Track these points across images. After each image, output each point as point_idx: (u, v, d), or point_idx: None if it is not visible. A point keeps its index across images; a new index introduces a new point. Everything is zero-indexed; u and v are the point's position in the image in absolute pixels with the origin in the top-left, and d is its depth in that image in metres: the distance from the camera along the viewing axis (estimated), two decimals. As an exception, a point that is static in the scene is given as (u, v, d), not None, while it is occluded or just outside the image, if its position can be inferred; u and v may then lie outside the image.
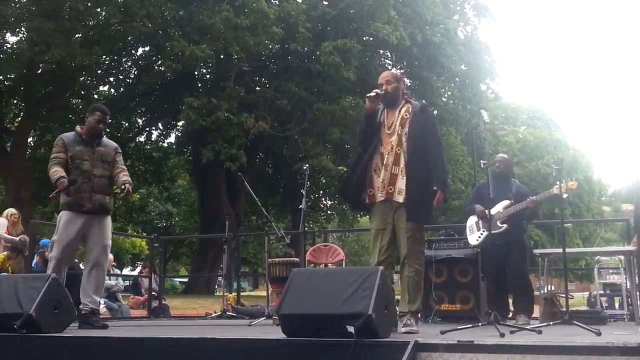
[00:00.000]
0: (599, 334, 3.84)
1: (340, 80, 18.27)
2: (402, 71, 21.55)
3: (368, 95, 4.71)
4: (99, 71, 21.45)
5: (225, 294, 9.90)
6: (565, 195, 5.83)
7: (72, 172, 5.62)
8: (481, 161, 4.86)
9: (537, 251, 7.29)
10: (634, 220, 6.45)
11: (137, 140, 25.34)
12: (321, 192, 28.32)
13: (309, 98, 19.10)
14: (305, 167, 7.07)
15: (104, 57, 20.73)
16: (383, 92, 4.70)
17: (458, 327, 4.17)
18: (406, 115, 4.67)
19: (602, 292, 10.88)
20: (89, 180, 5.68)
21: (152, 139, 26.01)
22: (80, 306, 5.60)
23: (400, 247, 4.53)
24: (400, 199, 4.54)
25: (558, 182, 5.84)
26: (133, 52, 22.66)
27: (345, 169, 19.03)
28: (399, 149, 4.59)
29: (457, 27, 22.70)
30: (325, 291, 3.68)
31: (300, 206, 6.66)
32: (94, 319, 5.60)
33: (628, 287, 7.46)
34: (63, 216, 5.64)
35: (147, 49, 22.24)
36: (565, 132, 46.18)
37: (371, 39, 20.83)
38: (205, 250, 22.87)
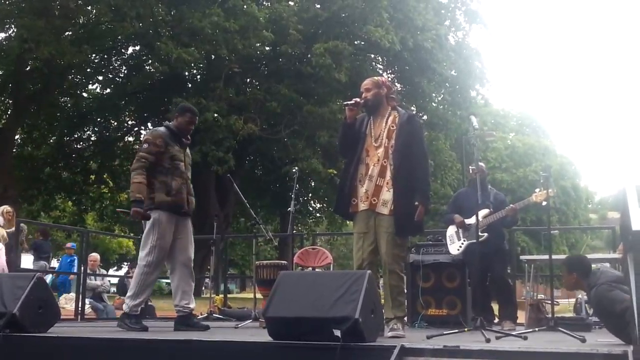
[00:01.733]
0: (583, 340, 3.86)
1: (331, 83, 18.28)
2: (392, 76, 21.65)
3: (346, 103, 4.69)
4: (89, 70, 21.36)
5: (212, 295, 9.87)
6: (544, 203, 5.85)
7: (171, 173, 5.41)
8: (470, 167, 4.88)
9: (523, 257, 7.33)
10: (620, 228, 6.48)
11: (126, 140, 25.21)
12: (310, 194, 28.28)
13: (299, 100, 19.10)
14: (294, 170, 7.06)
15: (94, 55, 20.65)
16: (362, 100, 4.67)
17: (444, 332, 4.18)
18: (393, 126, 4.63)
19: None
20: (185, 182, 5.53)
21: (141, 138, 25.92)
22: (178, 308, 5.49)
23: (381, 252, 4.53)
24: (384, 210, 4.53)
25: (537, 190, 5.87)
26: (123, 51, 22.58)
27: (335, 172, 19.03)
28: (385, 162, 4.58)
29: (448, 32, 22.79)
30: (312, 294, 3.68)
31: (289, 209, 6.65)
32: (195, 320, 5.58)
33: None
34: (162, 217, 5.39)
35: (137, 48, 22.17)
36: (554, 139, 46.48)
37: (363, 42, 20.87)
38: (193, 252, 22.77)
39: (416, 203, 4.48)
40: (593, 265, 4.81)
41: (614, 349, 3.14)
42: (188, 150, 5.70)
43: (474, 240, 6.09)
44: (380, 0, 18.56)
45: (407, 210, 4.46)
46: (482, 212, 6.41)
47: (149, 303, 10.86)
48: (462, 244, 6.52)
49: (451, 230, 6.71)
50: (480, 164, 6.96)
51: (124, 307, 5.31)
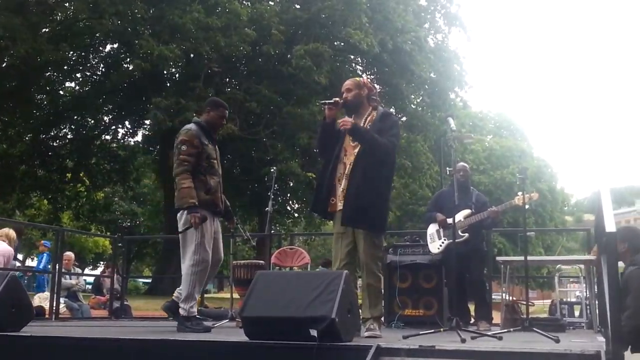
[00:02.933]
0: (557, 341, 3.90)
1: (310, 84, 18.28)
2: (372, 77, 21.70)
3: (325, 102, 4.67)
4: (66, 67, 21.12)
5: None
6: (526, 207, 5.91)
7: (208, 172, 5.28)
8: (447, 168, 4.89)
9: (499, 258, 7.38)
10: (595, 230, 6.57)
11: (103, 138, 24.97)
12: (288, 195, 28.26)
13: (279, 101, 19.07)
14: (272, 170, 7.04)
15: (71, 53, 20.42)
16: (342, 100, 4.66)
17: (420, 332, 4.20)
18: (369, 126, 4.64)
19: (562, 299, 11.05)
20: (219, 181, 5.41)
21: (118, 137, 25.69)
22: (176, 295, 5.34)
23: (359, 252, 4.53)
24: None
25: (520, 193, 5.92)
26: (101, 48, 22.35)
27: (313, 175, 19.02)
28: None
29: (427, 35, 22.91)
30: (289, 294, 3.68)
31: (267, 208, 6.64)
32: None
33: (587, 295, 7.59)
34: (208, 216, 5.29)
35: (115, 46, 21.97)
36: (531, 142, 46.98)
37: (342, 44, 20.91)
38: (170, 251, 22.59)
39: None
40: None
41: (587, 349, 3.18)
42: (217, 147, 5.57)
43: (454, 240, 6.13)
44: (360, 3, 18.60)
45: (357, 201, 4.43)
46: (464, 213, 6.46)
47: (125, 302, 10.78)
48: (443, 243, 6.56)
49: (432, 229, 6.75)
50: (464, 164, 7.02)
51: (181, 311, 5.15)
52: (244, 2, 19.98)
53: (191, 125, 5.37)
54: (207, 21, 17.03)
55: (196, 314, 5.21)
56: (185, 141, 5.22)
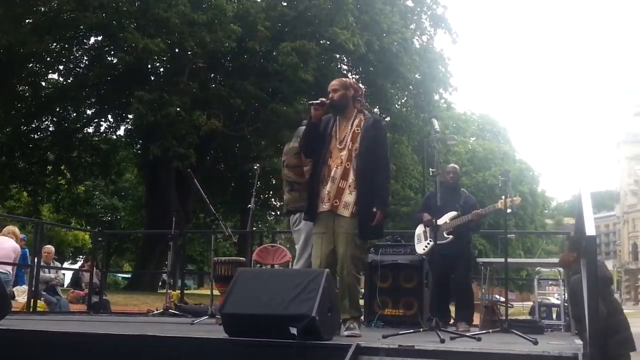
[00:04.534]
0: (535, 343, 3.93)
1: (296, 82, 18.25)
2: (357, 77, 21.71)
3: (312, 102, 4.66)
4: (49, 59, 20.90)
5: (169, 291, 9.76)
6: (509, 210, 5.94)
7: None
8: (430, 169, 4.89)
9: (480, 260, 7.42)
10: (575, 233, 6.62)
11: (85, 132, 24.77)
12: (271, 192, 28.23)
13: (264, 98, 19.02)
14: (256, 167, 7.03)
15: (55, 44, 20.22)
16: (328, 100, 4.65)
17: (400, 332, 4.20)
18: (358, 129, 4.61)
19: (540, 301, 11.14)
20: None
21: (101, 130, 25.49)
22: None
23: (339, 252, 4.53)
24: (345, 212, 4.52)
25: (503, 197, 5.95)
26: (85, 41, 22.13)
27: None
28: (348, 164, 4.56)
29: (413, 36, 22.94)
30: (270, 292, 3.67)
31: (249, 205, 6.60)
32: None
33: (566, 298, 7.65)
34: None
35: (99, 38, 21.78)
36: (514, 145, 47.32)
37: (328, 42, 20.89)
38: (151, 247, 22.51)
39: (374, 209, 4.50)
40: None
41: (565, 352, 3.20)
42: None
43: (440, 241, 6.15)
44: (347, 3, 18.60)
45: (369, 214, 4.49)
46: (450, 214, 6.46)
47: (104, 297, 10.72)
48: (428, 244, 6.57)
49: (419, 229, 6.76)
50: (455, 166, 7.04)
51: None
52: (231, -2, 19.90)
53: (298, 130, 5.46)
54: (192, 16, 16.94)
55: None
56: (287, 152, 5.39)
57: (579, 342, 4.31)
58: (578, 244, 5.00)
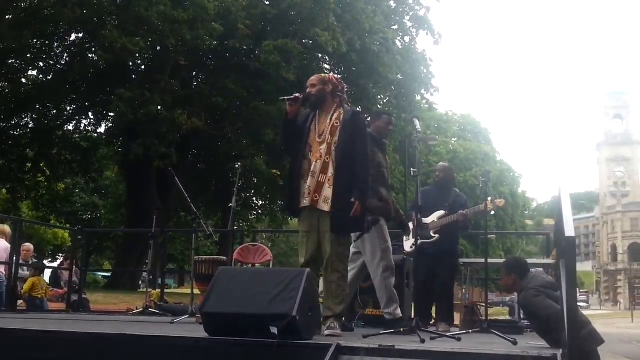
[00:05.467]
0: (515, 343, 3.94)
1: (278, 80, 18.23)
2: (339, 77, 21.73)
3: (286, 98, 4.63)
4: (29, 55, 20.69)
5: (149, 290, 9.70)
6: (492, 212, 5.97)
7: (377, 180, 5.20)
8: (412, 169, 4.89)
9: (460, 260, 7.43)
10: (554, 234, 6.67)
11: (65, 129, 24.53)
12: (253, 191, 28.16)
13: (246, 97, 18.97)
14: (237, 166, 7.00)
15: (35, 40, 20.00)
16: (302, 95, 4.62)
17: (380, 332, 4.20)
18: (337, 122, 4.59)
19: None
20: (389, 191, 5.40)
21: (81, 128, 25.26)
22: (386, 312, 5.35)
23: (324, 251, 4.51)
24: (325, 207, 4.49)
25: (489, 199, 5.96)
26: (66, 37, 21.93)
27: (278, 173, 18.94)
28: (327, 158, 4.53)
29: (395, 36, 23.00)
30: (251, 291, 3.65)
31: (230, 204, 6.58)
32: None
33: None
34: (382, 221, 5.30)
35: (80, 35, 21.58)
36: (495, 146, 47.63)
37: (310, 42, 20.90)
38: (131, 245, 22.37)
39: (352, 199, 4.45)
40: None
41: (544, 352, 3.22)
42: (387, 156, 5.60)
43: (427, 240, 6.15)
44: (329, 3, 18.61)
45: (346, 208, 4.42)
46: (438, 214, 6.46)
47: (83, 296, 10.62)
48: (416, 242, 6.56)
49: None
50: (445, 164, 7.03)
51: (387, 316, 5.13)
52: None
53: None
54: (172, 14, 16.83)
55: (402, 316, 5.21)
56: None
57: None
58: (512, 266, 4.96)
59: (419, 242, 6.45)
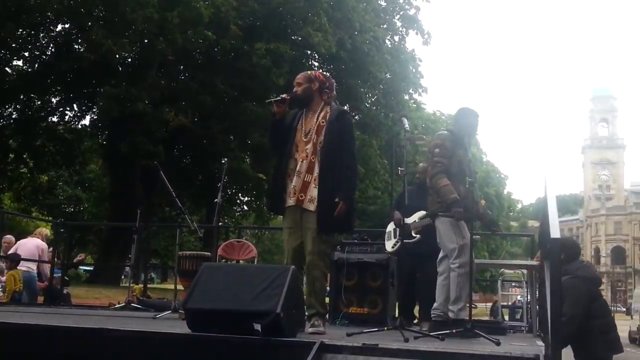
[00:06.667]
0: (498, 343, 3.95)
1: (267, 81, 18.19)
2: (327, 74, 21.76)
3: (273, 99, 4.62)
4: (14, 45, 20.46)
5: (131, 285, 9.63)
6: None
7: (458, 179, 5.15)
8: (399, 168, 4.87)
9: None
10: (539, 236, 6.69)
11: (50, 120, 24.31)
12: (238, 187, 28.09)
13: (234, 96, 18.91)
14: (223, 162, 6.95)
15: (20, 31, 19.80)
16: (288, 96, 4.60)
17: (364, 330, 4.19)
18: (323, 122, 4.57)
19: (504, 303, 11.29)
20: (469, 189, 5.24)
21: (66, 120, 25.04)
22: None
23: (306, 248, 4.48)
24: (310, 207, 4.47)
25: None
26: (52, 28, 21.72)
27: (264, 177, 18.90)
28: (313, 157, 4.52)
29: (385, 35, 23.04)
30: (235, 287, 3.62)
31: (216, 200, 6.53)
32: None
33: (528, 300, 7.74)
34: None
35: (67, 26, 21.38)
36: (481, 147, 47.82)
37: (300, 38, 20.86)
38: (114, 239, 22.21)
39: (337, 199, 4.42)
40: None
41: (527, 352, 3.23)
42: (469, 153, 5.53)
43: (407, 240, 6.15)
44: (321, 2, 18.58)
45: (331, 208, 4.40)
46: (419, 213, 6.46)
47: (65, 292, 10.54)
48: (397, 242, 6.57)
49: (390, 227, 6.76)
50: (425, 165, 7.03)
51: (452, 315, 4.99)
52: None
53: (444, 132, 5.46)
54: (161, 17, 16.66)
55: (465, 317, 5.05)
56: (438, 144, 5.27)
57: (540, 343, 4.36)
58: (563, 247, 5.10)
59: (401, 242, 6.48)
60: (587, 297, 4.81)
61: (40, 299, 10.27)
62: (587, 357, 4.81)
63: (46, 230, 10.12)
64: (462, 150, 5.35)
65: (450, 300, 5.06)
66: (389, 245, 6.70)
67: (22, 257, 9.08)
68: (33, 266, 9.37)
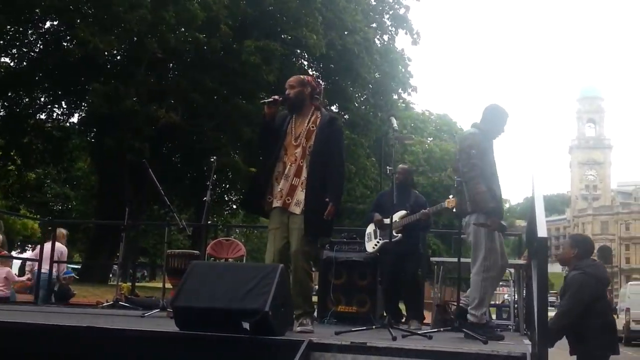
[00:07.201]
0: (485, 342, 3.98)
1: (257, 78, 18.16)
2: (317, 73, 21.74)
3: (264, 101, 4.63)
4: (1, 41, 20.30)
5: (119, 283, 9.60)
6: (454, 210, 6.00)
7: (492, 180, 5.01)
8: (387, 167, 4.90)
9: (433, 259, 7.47)
10: (526, 235, 6.74)
11: (38, 117, 24.14)
12: (227, 186, 28.04)
13: (224, 93, 18.87)
14: (212, 159, 6.93)
15: (8, 27, 19.65)
16: (281, 98, 4.61)
17: (352, 329, 4.21)
18: (313, 127, 4.59)
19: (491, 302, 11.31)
20: (499, 189, 5.14)
21: (54, 117, 24.87)
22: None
23: (292, 248, 4.49)
24: (296, 210, 4.49)
25: (451, 196, 6.01)
26: (40, 25, 21.57)
27: (255, 170, 18.85)
28: (302, 162, 4.54)
29: (375, 35, 23.07)
30: (223, 286, 3.62)
31: (205, 198, 6.52)
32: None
33: (515, 299, 7.77)
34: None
35: (55, 23, 21.24)
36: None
37: (290, 37, 20.84)
38: (102, 237, 22.09)
39: (327, 199, 4.43)
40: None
41: (514, 351, 3.25)
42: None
43: (389, 240, 6.17)
44: (315, 2, 18.56)
45: (317, 211, 4.43)
46: (400, 214, 6.50)
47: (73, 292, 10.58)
48: (378, 242, 6.60)
49: (370, 228, 6.78)
50: (404, 166, 7.07)
51: (471, 318, 4.88)
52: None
53: (474, 130, 5.23)
54: (156, 15, 16.58)
55: (487, 321, 4.99)
56: (472, 145, 5.03)
57: (527, 342, 4.39)
58: (578, 242, 5.14)
59: (382, 242, 6.52)
60: (589, 295, 4.85)
61: (29, 297, 10.22)
62: (584, 353, 4.86)
63: (64, 231, 10.23)
64: (491, 151, 5.17)
65: (473, 305, 4.94)
66: (370, 246, 6.73)
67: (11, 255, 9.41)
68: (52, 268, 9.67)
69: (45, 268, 9.40)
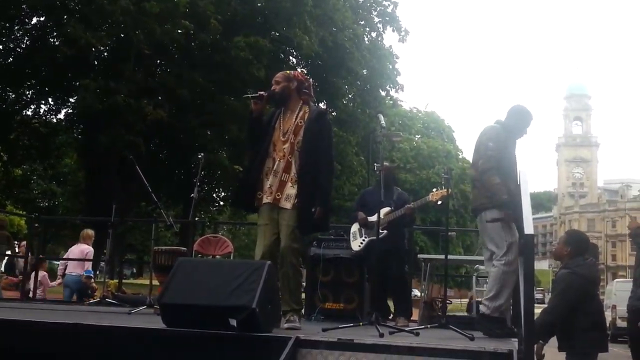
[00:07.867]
0: (472, 339, 3.99)
1: (246, 76, 18.12)
2: (305, 70, 21.71)
3: (250, 95, 4.62)
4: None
5: (106, 280, 9.58)
6: (439, 202, 6.02)
7: (507, 176, 4.96)
8: (375, 164, 4.91)
9: (420, 256, 7.50)
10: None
11: (24, 114, 23.96)
12: (215, 182, 27.97)
13: (212, 90, 18.80)
14: (200, 156, 6.90)
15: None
16: (266, 93, 4.61)
17: (340, 326, 4.22)
18: (301, 122, 4.58)
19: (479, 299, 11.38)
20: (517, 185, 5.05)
21: (41, 113, 24.68)
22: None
23: (281, 244, 4.49)
24: (287, 205, 4.48)
25: (435, 189, 6.04)
26: (27, 20, 21.39)
27: (241, 169, 18.82)
28: (290, 157, 4.53)
29: (363, 32, 23.07)
30: (210, 282, 3.62)
31: (192, 195, 6.50)
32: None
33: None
34: (508, 215, 4.94)
35: (42, 19, 21.08)
36: (457, 144, 48.11)
37: (278, 34, 20.80)
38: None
39: (314, 209, 4.45)
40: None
41: (500, 348, 3.27)
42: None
43: (374, 237, 6.17)
44: (306, 4, 18.54)
45: (311, 208, 4.45)
46: (384, 210, 6.50)
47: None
48: (364, 240, 6.61)
49: (355, 227, 6.78)
50: (386, 164, 7.08)
51: (484, 309, 4.81)
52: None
53: (496, 125, 5.20)
54: (139, 6, 16.50)
55: (504, 317, 4.91)
56: (492, 138, 5.04)
57: (514, 339, 4.41)
58: (573, 240, 5.15)
59: (368, 240, 6.52)
60: (576, 294, 4.87)
61: (16, 293, 10.17)
62: (572, 350, 4.89)
63: (91, 231, 10.58)
64: (512, 148, 5.16)
65: (488, 296, 4.90)
66: (355, 244, 6.73)
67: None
68: (79, 269, 10.02)
69: (73, 269, 9.94)
